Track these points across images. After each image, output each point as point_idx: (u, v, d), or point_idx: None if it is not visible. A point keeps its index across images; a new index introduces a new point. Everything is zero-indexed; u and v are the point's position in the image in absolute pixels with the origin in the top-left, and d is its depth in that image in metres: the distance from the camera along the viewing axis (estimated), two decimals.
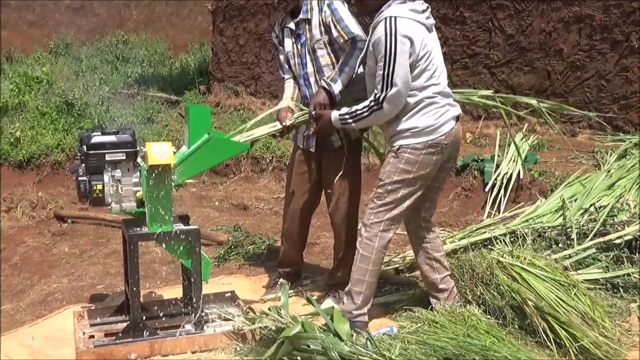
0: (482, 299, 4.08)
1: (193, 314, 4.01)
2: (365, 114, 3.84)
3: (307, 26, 4.31)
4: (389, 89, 3.72)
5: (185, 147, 3.96)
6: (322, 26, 4.26)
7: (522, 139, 7.19)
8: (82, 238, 6.07)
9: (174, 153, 3.83)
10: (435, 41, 3.93)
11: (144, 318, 3.96)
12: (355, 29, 4.16)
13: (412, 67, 3.75)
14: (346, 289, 4.13)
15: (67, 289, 4.96)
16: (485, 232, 5.28)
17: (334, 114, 3.99)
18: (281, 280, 4.80)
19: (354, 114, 3.89)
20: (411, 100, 3.82)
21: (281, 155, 7.80)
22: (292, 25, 4.35)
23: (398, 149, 3.89)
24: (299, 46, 4.36)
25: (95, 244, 5.87)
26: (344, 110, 3.96)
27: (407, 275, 4.98)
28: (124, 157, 3.88)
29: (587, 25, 7.61)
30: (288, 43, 4.40)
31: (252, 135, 4.18)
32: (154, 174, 3.75)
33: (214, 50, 11.07)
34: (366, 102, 3.83)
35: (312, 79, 4.35)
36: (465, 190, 6.85)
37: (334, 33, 4.21)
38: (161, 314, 4.20)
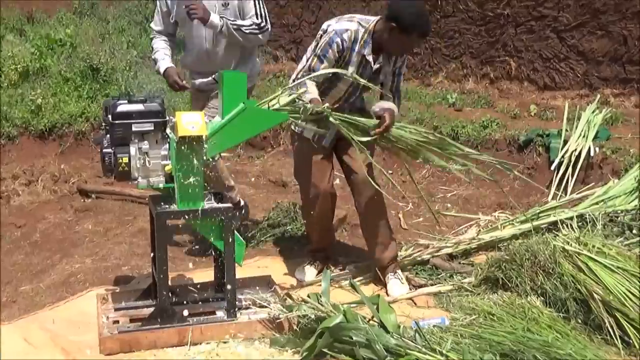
0: (543, 289, 4.05)
1: (226, 300, 4.05)
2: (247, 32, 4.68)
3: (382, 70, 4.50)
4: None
5: (218, 117, 3.97)
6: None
7: (593, 112, 7.06)
8: (106, 215, 6.14)
9: (207, 124, 3.85)
10: None
11: (172, 303, 4.01)
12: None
13: None
14: None
15: (90, 270, 5.03)
16: (550, 215, 5.23)
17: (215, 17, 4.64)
18: (314, 262, 4.93)
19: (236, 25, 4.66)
20: None
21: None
22: (370, 58, 4.42)
23: None
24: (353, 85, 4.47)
25: (121, 222, 5.94)
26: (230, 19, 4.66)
27: (462, 262, 4.96)
28: (152, 128, 3.90)
29: None
30: (351, 68, 4.44)
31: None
32: (184, 147, 3.77)
33: None
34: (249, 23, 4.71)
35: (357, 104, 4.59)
36: (528, 168, 6.77)
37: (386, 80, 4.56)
38: (191, 299, 4.25)
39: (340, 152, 4.68)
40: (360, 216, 4.73)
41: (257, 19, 4.76)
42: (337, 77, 4.44)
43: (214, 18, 4.64)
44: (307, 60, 4.43)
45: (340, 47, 4.35)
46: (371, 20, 4.43)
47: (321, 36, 4.41)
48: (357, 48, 4.39)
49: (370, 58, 4.41)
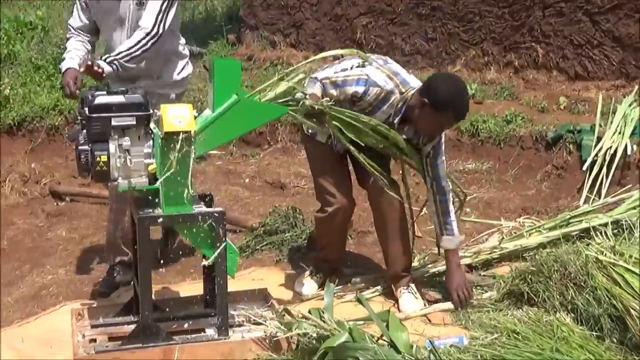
0: (574, 305, 4.05)
1: (216, 316, 4.06)
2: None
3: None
4: None
5: (209, 110, 3.98)
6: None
7: (630, 105, 7.06)
8: (82, 220, 6.16)
9: (195, 118, 3.86)
10: None
11: (156, 319, 4.02)
12: (447, 183, 4.65)
13: None
14: None
15: (64, 282, 5.04)
16: (581, 221, 5.23)
17: None
18: (316, 273, 4.95)
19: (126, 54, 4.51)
20: None
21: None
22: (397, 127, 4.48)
23: None
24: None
25: (99, 228, 5.93)
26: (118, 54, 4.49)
27: (482, 274, 4.96)
28: (134, 122, 3.91)
29: None
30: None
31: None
32: (170, 144, 3.78)
33: None
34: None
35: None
36: (557, 168, 6.78)
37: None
38: (178, 315, 4.26)
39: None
40: (376, 221, 4.74)
41: (150, 25, 4.59)
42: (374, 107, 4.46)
43: (105, 67, 4.44)
44: (326, 74, 4.45)
45: (357, 97, 4.37)
46: (412, 85, 4.42)
47: (356, 66, 4.42)
48: (384, 109, 4.42)
49: (397, 126, 4.45)
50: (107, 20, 4.72)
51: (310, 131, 4.68)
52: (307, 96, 4.13)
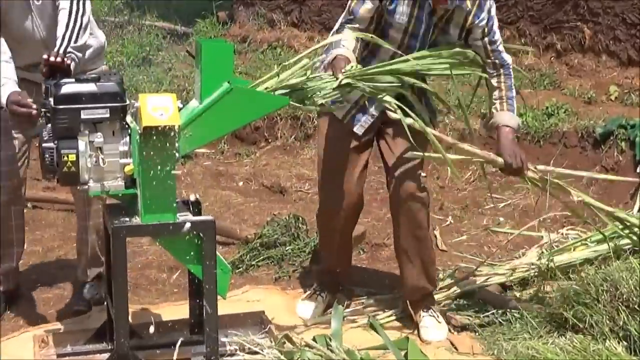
0: (626, 331, 4.05)
1: (205, 344, 4.05)
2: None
3: (445, 16, 4.44)
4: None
5: (195, 101, 3.98)
6: (463, 31, 4.50)
7: None
8: (47, 230, 6.16)
9: (180, 110, 3.86)
10: None
11: (133, 347, 4.02)
12: (508, 56, 4.65)
13: None
14: None
15: (26, 303, 5.04)
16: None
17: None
18: (320, 292, 4.93)
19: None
20: None
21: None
22: None
23: None
24: (420, 20, 4.43)
25: (66, 240, 5.94)
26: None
27: (519, 295, 4.96)
28: (108, 115, 3.90)
29: None
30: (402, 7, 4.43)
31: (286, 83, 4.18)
32: (150, 140, 3.78)
33: None
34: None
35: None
36: (607, 170, 6.78)
37: (475, 46, 4.54)
38: (159, 342, 4.25)
39: (380, 142, 4.65)
40: (395, 232, 4.71)
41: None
42: (387, 22, 4.43)
43: (73, 59, 4.42)
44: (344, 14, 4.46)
45: None
46: None
47: None
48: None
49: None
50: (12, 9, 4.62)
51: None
52: (328, 72, 4.16)
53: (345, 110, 4.53)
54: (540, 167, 4.65)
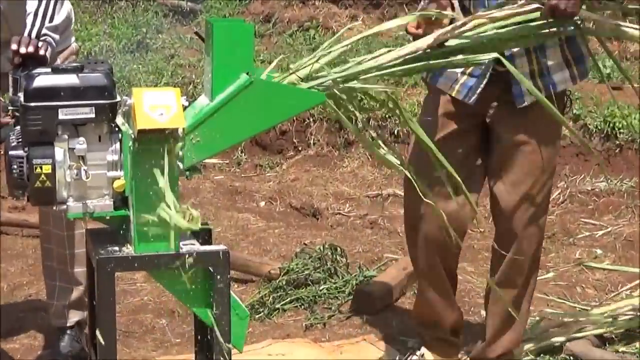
0: None
1: None
2: None
3: None
4: None
5: (205, 97, 3.98)
6: None
7: None
8: (14, 262, 6.20)
9: (185, 109, 3.85)
10: None
11: None
12: None
13: None
14: None
15: None
16: None
17: None
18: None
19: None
20: None
21: (384, 118, 7.79)
22: None
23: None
24: None
25: (38, 274, 5.94)
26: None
27: (622, 351, 4.93)
28: (93, 115, 3.91)
29: None
30: None
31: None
32: (146, 148, 3.77)
33: None
34: None
35: None
36: None
37: None
38: None
39: (490, 172, 4.58)
40: (493, 268, 4.63)
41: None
42: None
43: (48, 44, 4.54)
44: None
45: None
46: None
47: None
48: None
49: None
50: None
51: (427, 74, 4.56)
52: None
53: (451, 81, 4.45)
54: None
